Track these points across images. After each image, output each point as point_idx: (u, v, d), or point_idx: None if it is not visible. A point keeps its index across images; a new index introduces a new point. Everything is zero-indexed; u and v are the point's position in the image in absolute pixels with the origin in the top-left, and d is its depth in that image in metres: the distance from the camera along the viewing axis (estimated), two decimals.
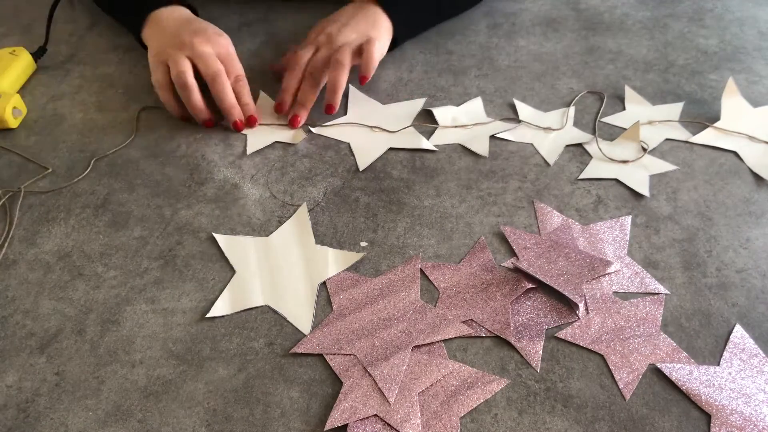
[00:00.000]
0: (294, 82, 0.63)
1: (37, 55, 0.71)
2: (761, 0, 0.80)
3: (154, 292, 0.49)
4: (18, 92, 0.67)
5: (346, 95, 0.66)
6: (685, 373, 0.43)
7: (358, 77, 0.63)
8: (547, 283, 0.47)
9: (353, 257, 0.51)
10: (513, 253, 0.51)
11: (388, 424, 0.41)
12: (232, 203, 0.56)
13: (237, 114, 0.61)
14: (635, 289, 0.48)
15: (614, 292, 0.48)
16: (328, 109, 0.62)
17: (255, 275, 0.49)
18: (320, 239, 0.53)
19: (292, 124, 0.62)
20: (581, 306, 0.47)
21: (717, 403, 0.41)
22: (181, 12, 0.66)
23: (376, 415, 0.41)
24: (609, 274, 0.49)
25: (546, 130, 0.61)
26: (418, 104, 0.65)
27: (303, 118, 0.62)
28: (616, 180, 0.57)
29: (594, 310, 0.47)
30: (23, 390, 0.43)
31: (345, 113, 0.65)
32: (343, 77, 0.61)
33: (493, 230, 0.53)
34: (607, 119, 0.63)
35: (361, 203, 0.56)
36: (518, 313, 0.47)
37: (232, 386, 0.43)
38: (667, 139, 0.60)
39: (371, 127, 0.62)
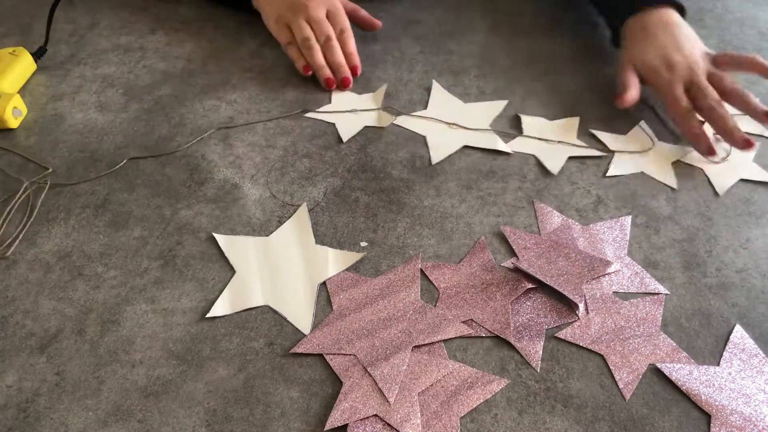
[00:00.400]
0: (699, 126, 0.58)
1: (37, 55, 0.71)
2: (761, 0, 0.80)
3: (154, 292, 0.49)
4: (18, 92, 0.67)
5: (427, 89, 0.67)
6: (685, 373, 0.43)
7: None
8: (547, 283, 0.47)
9: (353, 257, 0.51)
10: (513, 253, 0.51)
11: (388, 424, 0.41)
12: (232, 203, 0.56)
13: (344, 72, 0.67)
14: (635, 289, 0.48)
15: (614, 292, 0.48)
16: (747, 145, 0.56)
17: (255, 275, 0.50)
18: (320, 239, 0.53)
19: (747, 146, 0.56)
20: (581, 306, 0.47)
21: (717, 403, 0.41)
22: None
23: (376, 415, 0.41)
24: (609, 274, 0.49)
25: (643, 154, 0.59)
26: (499, 106, 0.65)
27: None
28: (642, 173, 0.58)
29: (594, 310, 0.47)
30: (23, 390, 0.43)
31: (425, 107, 0.65)
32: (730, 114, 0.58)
33: (493, 230, 0.53)
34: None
35: (361, 203, 0.56)
36: (518, 313, 0.47)
37: (232, 386, 0.43)
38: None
39: (450, 123, 0.62)
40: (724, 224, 0.53)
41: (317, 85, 0.68)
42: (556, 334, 0.46)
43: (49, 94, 0.68)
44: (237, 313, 0.48)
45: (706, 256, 0.51)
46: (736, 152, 0.59)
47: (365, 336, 0.46)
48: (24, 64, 0.69)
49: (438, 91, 0.67)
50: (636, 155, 0.59)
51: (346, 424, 0.41)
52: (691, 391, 0.42)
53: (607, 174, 0.58)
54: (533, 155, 0.60)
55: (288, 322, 0.47)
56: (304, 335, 0.46)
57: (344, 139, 0.61)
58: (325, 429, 0.41)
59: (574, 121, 0.63)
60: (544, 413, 0.41)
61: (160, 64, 0.71)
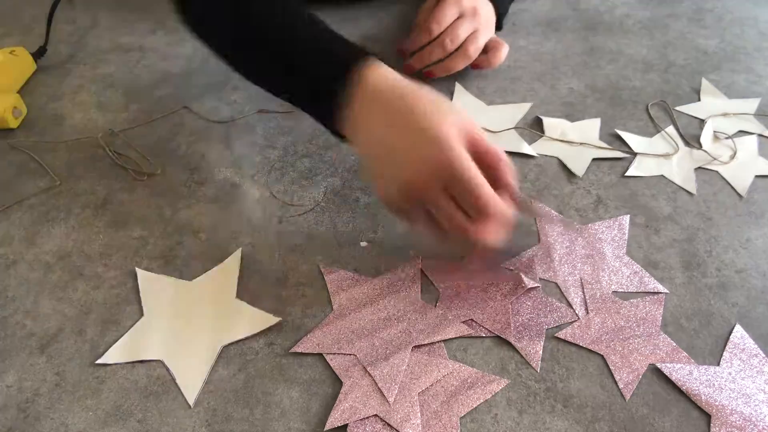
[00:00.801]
0: (427, 37, 0.64)
1: (37, 55, 0.71)
2: (761, 0, 0.80)
3: None
4: (18, 92, 0.67)
5: (448, 91, 0.67)
6: (685, 373, 0.43)
7: (474, 64, 0.65)
8: (475, 320, 0.46)
9: (269, 320, 0.45)
10: (513, 254, 0.51)
11: (388, 424, 0.41)
12: (232, 203, 0.56)
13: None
14: (634, 288, 0.48)
15: (613, 291, 0.48)
16: (427, 73, 0.65)
17: (161, 324, 0.46)
18: (320, 239, 0.53)
19: (406, 69, 0.63)
20: (581, 306, 0.47)
21: (717, 403, 0.41)
22: (392, 78, 0.45)
23: (376, 415, 0.41)
24: (606, 272, 0.49)
25: (666, 157, 0.59)
26: (523, 108, 0.65)
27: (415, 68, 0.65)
28: (662, 176, 0.57)
29: (594, 310, 0.47)
30: (23, 390, 0.43)
31: None
32: (462, 66, 0.64)
33: None
34: (681, 108, 0.64)
35: (361, 203, 0.56)
36: (518, 313, 0.47)
37: (232, 386, 0.43)
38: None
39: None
40: (724, 224, 0.53)
41: None
42: (556, 334, 0.45)
43: (49, 94, 0.68)
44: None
45: (706, 256, 0.51)
46: (741, 151, 0.59)
47: (365, 336, 0.46)
48: (24, 64, 0.69)
49: (461, 93, 0.67)
50: (660, 158, 0.59)
51: (346, 424, 0.41)
52: (691, 391, 0.42)
53: (627, 174, 0.57)
54: (556, 157, 0.59)
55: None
56: (305, 335, 0.46)
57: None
58: (325, 429, 0.41)
59: (596, 122, 0.63)
60: (544, 413, 0.41)
61: (160, 64, 0.71)
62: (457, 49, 0.64)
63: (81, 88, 0.69)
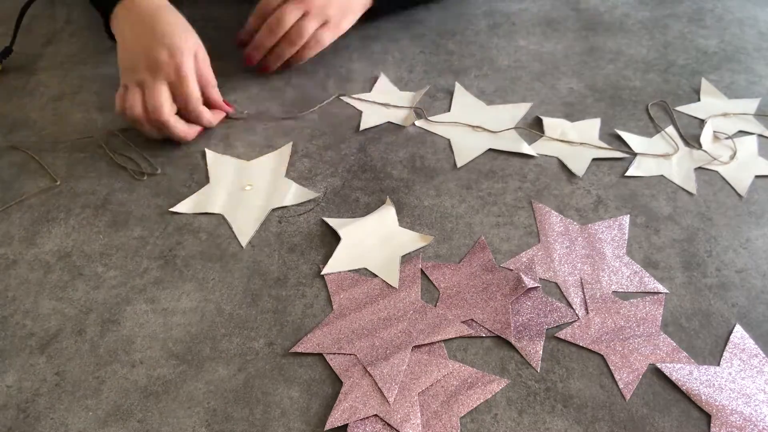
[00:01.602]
0: (256, 24, 0.66)
1: (2, 56, 0.70)
2: (761, 0, 0.81)
3: (154, 292, 0.49)
4: (17, 91, 0.67)
5: (448, 92, 0.67)
6: (685, 373, 0.43)
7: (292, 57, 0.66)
8: (476, 320, 0.46)
9: (309, 195, 0.56)
10: (513, 254, 0.51)
11: (388, 424, 0.41)
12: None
13: (206, 125, 0.62)
14: (634, 288, 0.48)
15: (613, 291, 0.48)
16: (263, 68, 0.67)
17: (223, 189, 0.56)
18: (320, 239, 0.53)
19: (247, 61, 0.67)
20: (581, 306, 0.47)
21: (717, 403, 0.41)
22: (155, 3, 0.61)
23: (376, 415, 0.41)
24: (606, 272, 0.49)
25: (666, 157, 0.59)
26: (523, 108, 0.65)
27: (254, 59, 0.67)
28: (663, 176, 0.57)
29: (594, 310, 0.47)
30: (23, 390, 0.43)
31: (449, 110, 0.65)
32: (290, 53, 0.65)
33: (493, 230, 0.53)
34: (681, 108, 0.64)
35: (361, 203, 0.56)
36: (518, 313, 0.47)
37: (232, 386, 0.43)
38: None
39: (473, 126, 0.62)
40: (724, 224, 0.53)
41: (317, 86, 0.68)
42: (556, 334, 0.46)
43: (49, 94, 0.68)
44: (236, 312, 0.47)
45: (706, 256, 0.51)
46: (741, 151, 0.59)
47: (365, 336, 0.46)
48: None
49: (461, 93, 0.67)
50: (660, 158, 0.59)
51: (346, 424, 0.41)
52: (691, 391, 0.42)
53: (626, 174, 0.57)
54: (556, 157, 0.59)
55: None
56: (305, 335, 0.46)
57: (361, 128, 0.62)
58: (325, 429, 0.41)
59: (596, 122, 0.63)
60: (544, 413, 0.41)
61: None
62: (284, 36, 0.64)
63: (81, 88, 0.69)
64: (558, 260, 0.50)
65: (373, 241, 0.52)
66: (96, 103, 0.67)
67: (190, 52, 0.58)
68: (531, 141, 0.61)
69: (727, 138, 0.60)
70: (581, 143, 0.60)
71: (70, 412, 0.42)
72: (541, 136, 0.61)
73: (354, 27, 0.71)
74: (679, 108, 0.64)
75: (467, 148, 0.60)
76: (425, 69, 0.70)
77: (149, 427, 0.41)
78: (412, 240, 0.52)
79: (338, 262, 0.51)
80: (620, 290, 0.48)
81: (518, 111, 0.64)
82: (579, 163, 0.59)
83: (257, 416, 0.42)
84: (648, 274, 0.49)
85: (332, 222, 0.54)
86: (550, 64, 0.71)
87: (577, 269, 0.50)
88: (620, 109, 0.65)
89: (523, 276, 0.48)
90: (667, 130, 0.62)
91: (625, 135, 0.61)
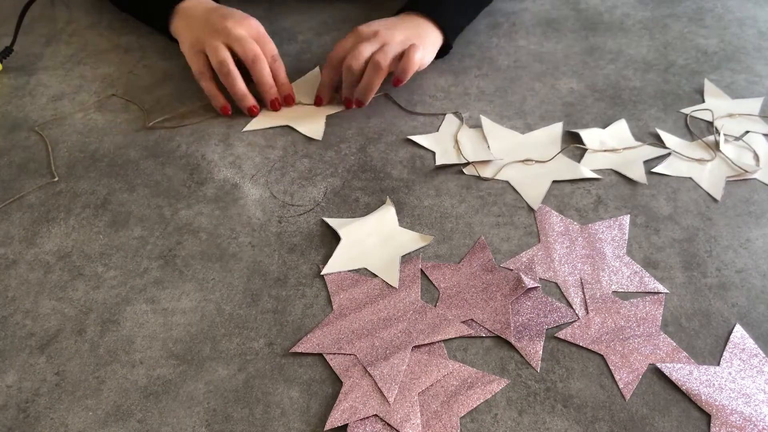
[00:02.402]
0: (332, 75, 0.65)
1: (3, 55, 0.71)
2: (761, 0, 0.81)
3: (154, 292, 0.49)
4: (17, 91, 0.67)
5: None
6: (685, 373, 0.43)
7: (392, 79, 0.62)
8: (476, 320, 0.46)
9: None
10: (513, 254, 0.51)
11: (388, 424, 0.41)
12: (232, 203, 0.56)
13: (274, 93, 0.64)
14: (634, 288, 0.48)
15: (614, 291, 0.48)
16: (355, 104, 0.64)
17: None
18: (320, 239, 0.53)
19: (317, 102, 0.66)
20: (581, 306, 0.47)
21: (717, 403, 0.41)
22: (207, 1, 0.67)
23: (376, 415, 0.41)
24: (607, 272, 0.49)
25: (700, 162, 0.58)
26: (557, 128, 0.62)
27: (324, 100, 0.66)
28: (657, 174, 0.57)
29: (594, 310, 0.47)
30: (23, 390, 0.43)
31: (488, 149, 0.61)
32: (379, 80, 0.62)
33: (493, 230, 0.53)
34: (685, 111, 0.64)
35: (361, 203, 0.56)
36: (518, 313, 0.47)
37: (232, 386, 0.43)
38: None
39: (524, 161, 0.59)
40: (724, 224, 0.53)
41: (317, 85, 0.68)
42: (556, 335, 0.46)
43: (48, 94, 0.68)
44: (239, 311, 0.48)
45: (706, 256, 0.51)
46: (761, 154, 0.59)
47: (365, 336, 0.46)
48: None
49: (491, 128, 0.63)
50: (692, 162, 0.58)
51: (346, 424, 0.41)
52: (691, 391, 0.42)
53: (654, 170, 0.57)
54: (612, 169, 0.58)
55: (289, 321, 0.47)
56: (304, 335, 0.46)
57: (437, 163, 0.59)
58: (325, 429, 0.41)
59: (623, 124, 0.63)
60: (544, 413, 0.41)
61: (160, 64, 0.71)
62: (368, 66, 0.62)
63: (81, 88, 0.69)
64: (558, 260, 0.50)
65: (373, 241, 0.52)
66: (96, 103, 0.67)
67: (247, 19, 0.63)
68: (579, 158, 0.59)
69: (736, 139, 0.60)
70: (624, 148, 0.59)
71: (70, 412, 0.42)
72: (586, 150, 0.60)
73: (351, 26, 0.71)
74: (686, 110, 0.64)
75: (532, 187, 0.57)
76: (425, 69, 0.70)
77: (149, 427, 0.41)
78: (412, 240, 0.52)
79: (338, 262, 0.51)
80: (620, 290, 0.48)
81: (554, 131, 0.62)
82: (635, 170, 0.58)
83: (257, 416, 0.42)
84: (648, 274, 0.49)
85: (332, 222, 0.54)
86: (550, 64, 0.71)
87: (577, 269, 0.50)
88: (620, 109, 0.65)
89: (523, 276, 0.48)
90: (711, 137, 0.61)
91: (663, 134, 0.61)
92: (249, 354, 0.45)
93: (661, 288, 0.48)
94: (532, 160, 0.59)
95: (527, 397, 0.42)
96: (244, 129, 0.62)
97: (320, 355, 0.45)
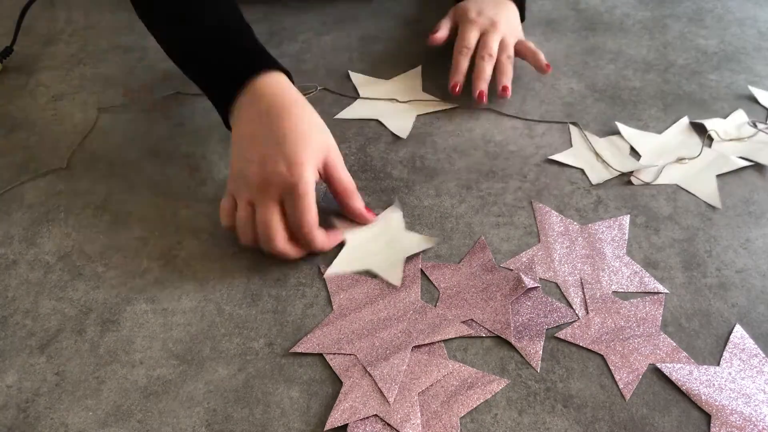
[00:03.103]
0: (466, 62, 0.65)
1: (2, 55, 0.71)
2: (761, 0, 0.81)
3: (154, 292, 0.49)
4: (17, 91, 0.67)
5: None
6: (685, 373, 0.43)
7: (537, 67, 0.66)
8: (475, 319, 0.46)
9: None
10: (513, 254, 0.51)
11: (388, 424, 0.41)
12: None
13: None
14: (635, 288, 0.48)
15: (614, 291, 0.48)
16: (503, 91, 0.64)
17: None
18: None
19: (480, 99, 0.64)
20: (581, 306, 0.47)
21: (717, 403, 0.41)
22: (281, 88, 0.51)
23: (376, 415, 0.41)
24: (607, 272, 0.49)
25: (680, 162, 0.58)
26: (684, 123, 0.62)
27: (486, 91, 0.64)
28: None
29: (594, 310, 0.47)
30: (23, 390, 0.43)
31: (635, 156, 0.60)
32: (512, 67, 0.65)
33: (493, 230, 0.53)
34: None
35: None
36: (518, 313, 0.47)
37: (232, 386, 0.43)
38: None
39: (678, 160, 0.58)
40: (724, 224, 0.53)
41: (319, 86, 0.68)
42: (556, 335, 0.45)
43: (49, 94, 0.68)
44: (237, 312, 0.47)
45: (706, 256, 0.51)
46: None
47: (365, 336, 0.46)
48: None
49: (629, 132, 0.61)
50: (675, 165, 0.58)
51: (346, 424, 0.41)
52: (691, 391, 0.42)
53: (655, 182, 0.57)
54: (745, 157, 0.58)
55: (288, 321, 0.47)
56: (304, 335, 0.46)
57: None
58: (325, 429, 0.41)
59: (741, 114, 0.63)
60: (544, 413, 0.41)
61: (160, 64, 0.72)
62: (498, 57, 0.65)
63: (81, 88, 0.69)
64: (558, 260, 0.50)
65: (378, 243, 0.52)
66: (96, 103, 0.67)
67: (314, 162, 0.48)
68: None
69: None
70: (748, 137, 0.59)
71: (70, 412, 0.42)
72: (712, 140, 0.60)
73: (354, 27, 0.71)
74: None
75: (703, 185, 0.56)
76: (425, 69, 0.70)
77: (149, 427, 0.41)
78: (417, 242, 0.52)
79: (342, 264, 0.51)
80: (620, 290, 0.48)
81: (684, 125, 0.62)
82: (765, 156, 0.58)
83: (257, 416, 0.42)
84: (648, 275, 0.49)
85: (338, 224, 0.53)
86: (550, 64, 0.71)
87: (577, 269, 0.50)
88: (620, 109, 0.65)
89: (523, 276, 0.48)
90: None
91: (626, 131, 0.61)
92: (249, 354, 0.45)
93: (661, 288, 0.48)
94: (685, 159, 0.58)
95: (527, 397, 0.42)
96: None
97: (320, 355, 0.45)
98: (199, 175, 0.59)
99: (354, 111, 0.65)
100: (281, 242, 0.48)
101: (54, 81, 0.70)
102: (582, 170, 0.58)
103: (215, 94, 0.54)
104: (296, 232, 0.49)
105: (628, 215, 0.54)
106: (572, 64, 0.71)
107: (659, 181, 0.57)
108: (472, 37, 0.65)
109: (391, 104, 0.66)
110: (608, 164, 0.58)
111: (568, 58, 0.72)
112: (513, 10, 0.69)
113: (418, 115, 0.64)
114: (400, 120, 0.64)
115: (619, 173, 0.57)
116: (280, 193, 0.48)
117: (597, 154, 0.59)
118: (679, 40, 0.74)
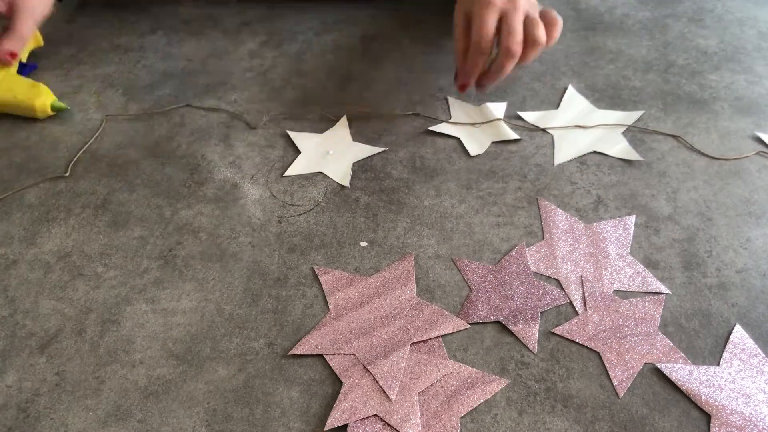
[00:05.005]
0: (483, 63, 0.58)
1: None
2: (761, 0, 0.80)
3: (154, 292, 0.49)
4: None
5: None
6: (685, 373, 0.43)
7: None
8: (500, 320, 0.46)
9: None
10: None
11: (388, 424, 0.41)
12: (232, 203, 0.56)
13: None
14: (636, 288, 0.48)
15: (615, 290, 0.48)
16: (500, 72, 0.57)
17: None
18: (320, 239, 0.53)
19: (478, 91, 0.61)
20: (580, 303, 0.47)
21: (717, 403, 0.41)
22: None
23: (376, 415, 0.41)
24: (609, 271, 0.49)
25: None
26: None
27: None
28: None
29: (593, 308, 0.47)
30: (23, 390, 0.43)
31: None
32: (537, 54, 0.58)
33: (493, 230, 0.53)
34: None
35: (361, 203, 0.56)
36: (512, 298, 0.47)
37: (232, 386, 0.43)
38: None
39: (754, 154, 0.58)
40: (724, 224, 0.53)
41: (318, 86, 0.68)
42: (553, 330, 0.46)
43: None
44: (237, 312, 0.47)
45: (706, 256, 0.51)
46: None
47: (363, 335, 0.46)
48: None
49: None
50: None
51: (346, 424, 0.41)
52: (690, 391, 0.42)
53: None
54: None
55: (288, 321, 0.47)
56: (304, 336, 0.46)
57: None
58: (325, 429, 0.41)
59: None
60: (544, 413, 0.41)
61: (160, 64, 0.72)
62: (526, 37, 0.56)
63: (81, 88, 0.69)
64: (561, 257, 0.50)
65: (329, 151, 0.60)
66: (96, 103, 0.67)
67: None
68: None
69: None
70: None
71: (70, 412, 0.42)
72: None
73: (354, 26, 0.71)
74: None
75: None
76: (425, 69, 0.70)
77: (149, 427, 0.41)
78: (363, 150, 0.60)
79: (298, 167, 0.58)
80: (622, 289, 0.48)
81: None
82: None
83: (257, 416, 0.42)
84: (650, 275, 0.49)
85: (293, 135, 0.61)
86: (550, 64, 0.71)
87: (579, 267, 0.50)
88: (620, 109, 0.65)
89: (555, 288, 0.48)
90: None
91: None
92: (249, 354, 0.45)
93: (663, 289, 0.48)
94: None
95: (527, 397, 0.42)
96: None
97: (320, 355, 0.45)
98: (199, 175, 0.59)
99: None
100: None
101: (54, 81, 0.70)
102: (582, 170, 0.58)
103: None
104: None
105: (634, 216, 0.54)
106: (572, 64, 0.71)
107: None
108: (491, 25, 0.56)
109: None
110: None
111: (568, 58, 0.72)
112: None
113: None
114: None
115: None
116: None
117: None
118: (679, 40, 0.74)
